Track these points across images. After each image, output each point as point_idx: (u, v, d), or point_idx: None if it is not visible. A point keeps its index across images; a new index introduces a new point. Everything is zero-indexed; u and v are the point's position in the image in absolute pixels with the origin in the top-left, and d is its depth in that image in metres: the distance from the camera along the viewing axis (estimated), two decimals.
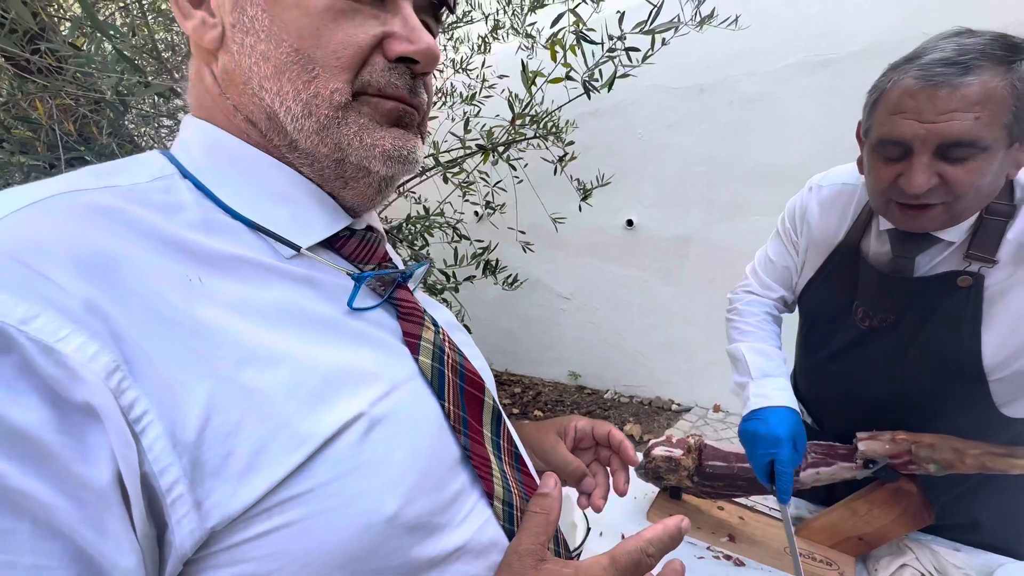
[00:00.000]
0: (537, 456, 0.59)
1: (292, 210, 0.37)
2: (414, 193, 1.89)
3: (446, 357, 0.41)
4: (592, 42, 1.13)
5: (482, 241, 1.69)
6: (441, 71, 2.19)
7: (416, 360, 0.39)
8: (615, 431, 0.60)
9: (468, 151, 1.52)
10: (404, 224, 1.51)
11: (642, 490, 1.12)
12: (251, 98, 0.36)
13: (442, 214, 1.56)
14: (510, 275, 1.71)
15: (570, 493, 0.93)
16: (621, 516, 1.05)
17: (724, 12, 1.42)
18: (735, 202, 2.63)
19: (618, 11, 1.15)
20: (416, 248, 1.58)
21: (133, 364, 0.26)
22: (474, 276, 1.62)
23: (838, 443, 0.86)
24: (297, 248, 0.36)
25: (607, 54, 1.20)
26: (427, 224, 1.49)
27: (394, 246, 1.53)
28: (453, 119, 2.16)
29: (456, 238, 1.66)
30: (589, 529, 0.90)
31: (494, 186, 1.90)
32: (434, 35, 0.41)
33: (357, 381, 0.33)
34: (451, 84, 2.12)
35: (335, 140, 0.36)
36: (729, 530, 0.97)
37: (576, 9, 1.12)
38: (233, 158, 0.37)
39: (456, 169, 1.66)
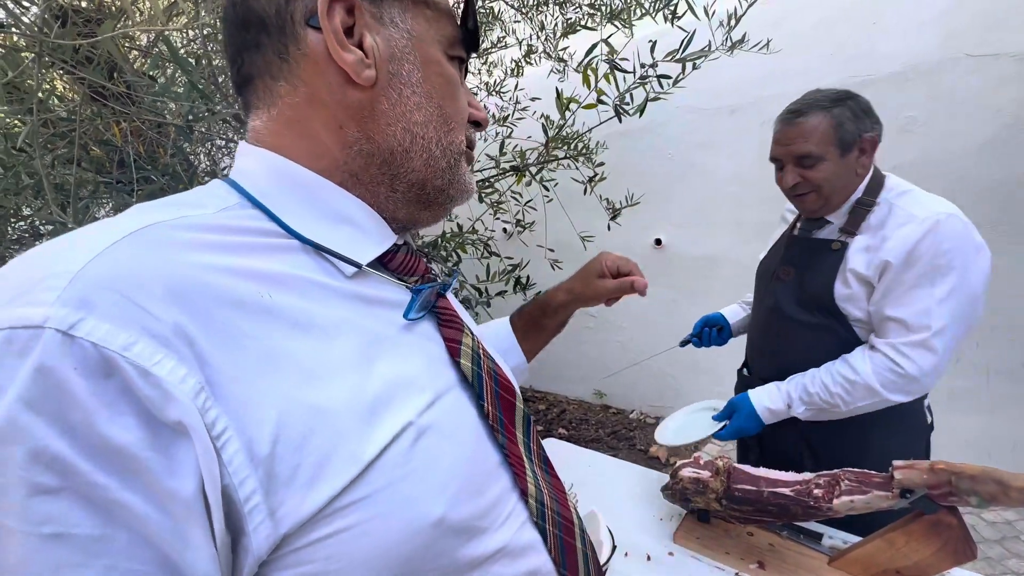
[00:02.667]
0: (594, 298, 0.79)
1: (351, 230, 0.40)
2: None
3: (483, 361, 0.44)
4: (624, 71, 1.16)
5: (512, 258, 1.73)
6: (475, 94, 2.26)
7: (458, 364, 0.42)
8: (636, 279, 0.76)
9: (502, 171, 1.58)
10: (439, 241, 1.56)
11: (668, 512, 1.11)
12: (389, 136, 0.40)
13: (474, 231, 1.61)
14: (539, 292, 1.73)
15: (596, 512, 0.94)
16: (647, 538, 1.04)
17: (756, 36, 1.43)
18: (765, 222, 2.59)
19: (650, 40, 1.18)
20: (450, 264, 1.62)
21: (214, 385, 0.28)
22: (505, 291, 1.65)
23: (873, 471, 0.84)
24: (359, 265, 0.39)
25: (639, 80, 1.24)
26: (460, 241, 1.54)
27: (429, 262, 1.58)
28: (485, 139, 2.22)
29: (487, 255, 1.71)
30: (615, 548, 0.91)
31: (525, 205, 1.94)
32: None
33: (406, 392, 0.36)
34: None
35: (450, 177, 0.44)
36: (759, 557, 0.95)
37: (609, 39, 1.16)
38: (296, 183, 0.39)
39: (489, 189, 1.71)
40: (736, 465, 0.97)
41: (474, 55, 0.47)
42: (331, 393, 0.32)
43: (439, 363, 0.41)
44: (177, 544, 0.26)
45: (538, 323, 0.82)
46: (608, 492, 1.22)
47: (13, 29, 0.86)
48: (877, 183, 1.05)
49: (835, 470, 0.89)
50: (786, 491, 0.90)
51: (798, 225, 1.19)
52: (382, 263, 0.42)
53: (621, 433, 3.10)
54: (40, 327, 0.25)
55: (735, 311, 1.51)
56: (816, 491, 0.87)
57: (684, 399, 3.13)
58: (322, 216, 0.39)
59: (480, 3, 1.92)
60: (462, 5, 0.44)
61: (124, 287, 0.27)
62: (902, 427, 1.08)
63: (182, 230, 0.32)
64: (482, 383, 0.42)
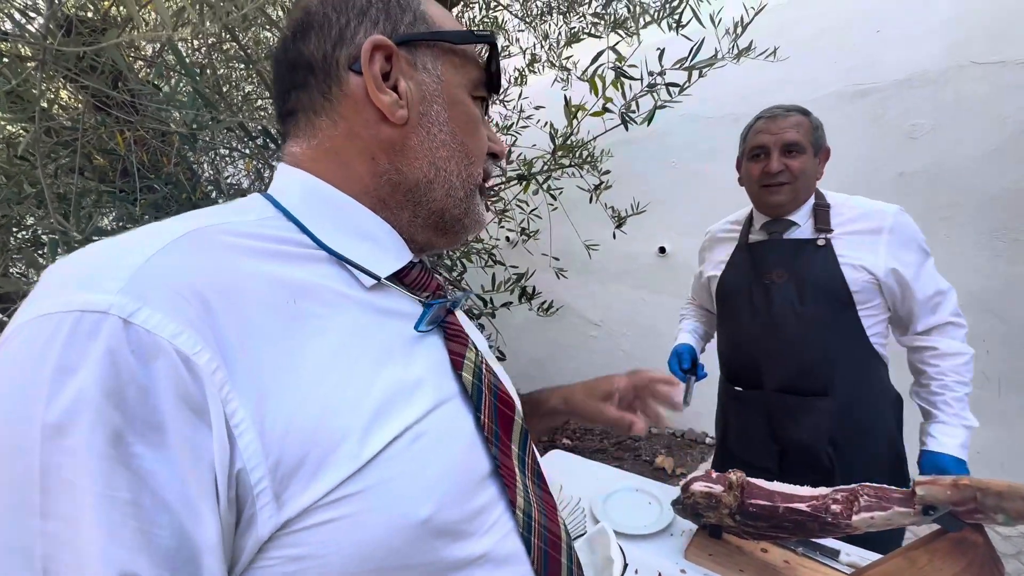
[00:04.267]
0: (588, 419, 0.71)
1: (373, 247, 0.44)
2: None
3: (484, 376, 0.47)
4: (632, 78, 1.16)
5: (516, 267, 1.71)
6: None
7: (459, 377, 0.44)
8: (654, 375, 0.69)
9: (507, 180, 1.57)
10: (444, 250, 1.55)
11: (679, 527, 1.08)
12: (415, 169, 0.44)
13: (479, 241, 1.60)
14: (544, 301, 1.71)
15: (607, 529, 0.91)
16: (658, 555, 1.01)
17: (762, 44, 1.43)
18: None
19: (658, 48, 1.17)
20: (454, 274, 1.61)
21: (237, 380, 0.31)
22: (510, 303, 1.63)
23: (892, 486, 0.82)
24: (378, 278, 0.42)
25: (646, 88, 1.23)
26: (466, 250, 1.53)
27: (434, 271, 1.56)
28: None
29: (492, 264, 1.69)
30: (626, 565, 0.88)
31: (530, 213, 1.93)
32: None
33: (408, 398, 0.38)
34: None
35: (466, 207, 0.48)
36: (773, 574, 0.92)
37: (616, 46, 1.15)
38: (327, 202, 0.43)
39: (495, 197, 1.70)
40: (750, 480, 0.95)
41: (495, 96, 0.52)
42: (340, 394, 0.34)
43: (443, 374, 0.43)
44: (190, 515, 0.29)
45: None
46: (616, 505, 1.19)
47: (17, 37, 0.86)
48: (819, 191, 1.21)
49: (853, 485, 0.86)
50: (802, 507, 0.87)
51: (752, 233, 1.29)
52: (399, 278, 0.45)
53: (626, 444, 3.06)
54: (105, 313, 0.28)
55: (692, 339, 1.51)
56: (834, 507, 0.84)
57: (690, 409, 3.10)
58: (347, 231, 0.42)
59: (484, 13, 1.92)
60: (487, 52, 0.48)
61: (175, 284, 0.31)
62: (889, 401, 1.20)
63: (226, 234, 0.36)
64: (481, 396, 0.45)
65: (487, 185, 0.51)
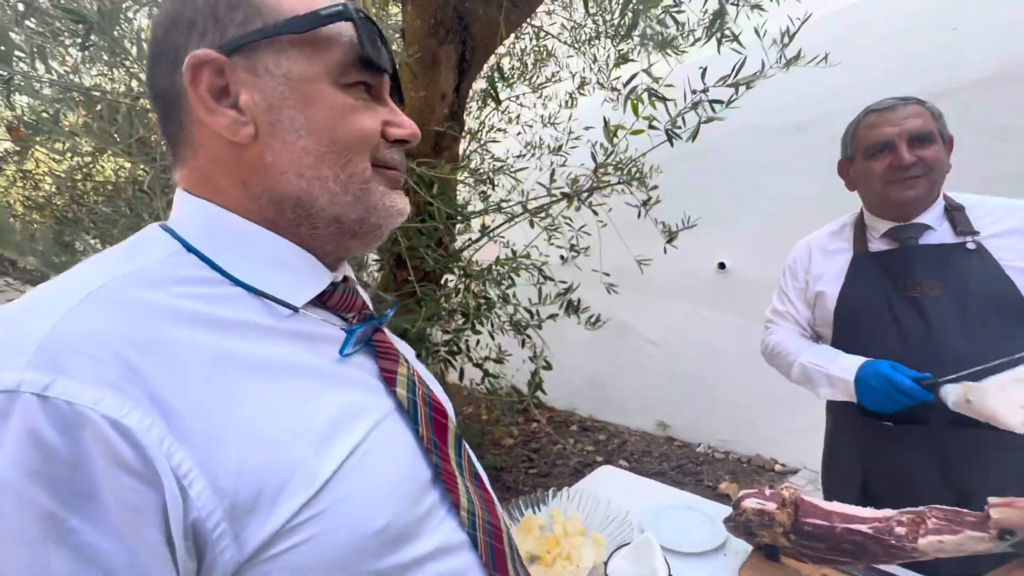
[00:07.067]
0: None
1: (286, 274, 0.43)
2: (503, 237, 2.03)
3: (417, 388, 0.48)
4: (664, 99, 1.19)
5: (565, 282, 1.75)
6: (531, 126, 2.35)
7: (394, 393, 0.45)
8: None
9: (554, 198, 1.63)
10: (493, 266, 1.62)
11: (733, 548, 1.05)
12: (287, 184, 0.42)
13: (528, 256, 1.66)
14: (592, 315, 1.73)
15: (651, 539, 0.91)
16: (708, 571, 0.99)
17: (823, 49, 1.39)
18: None
19: (700, 67, 1.20)
20: (503, 288, 1.67)
21: (178, 430, 0.31)
22: (556, 314, 1.66)
23: (965, 509, 0.76)
24: (295, 308, 0.42)
25: (689, 106, 1.25)
26: (515, 266, 1.59)
27: (484, 286, 1.64)
28: (540, 169, 2.29)
29: (541, 279, 1.75)
30: None
31: (579, 230, 1.96)
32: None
33: (350, 420, 0.40)
34: (540, 137, 2.27)
35: (365, 205, 0.44)
36: None
37: (650, 68, 1.19)
38: (233, 232, 0.42)
39: (543, 215, 1.76)
40: (804, 497, 0.91)
41: (381, 73, 0.46)
42: (284, 425, 0.35)
43: (377, 392, 0.45)
44: None
45: None
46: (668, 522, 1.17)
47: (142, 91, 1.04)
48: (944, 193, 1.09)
49: (920, 507, 0.81)
50: (863, 528, 0.82)
51: (872, 242, 1.12)
52: (321, 301, 0.46)
53: (687, 467, 2.94)
54: (16, 391, 0.28)
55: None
56: (898, 529, 0.79)
57: (757, 432, 2.93)
58: (257, 261, 0.42)
59: (534, 43, 2.03)
60: (356, 32, 0.43)
61: (88, 348, 0.30)
62: None
63: (136, 286, 0.35)
64: (416, 409, 0.46)
65: (391, 170, 0.47)
